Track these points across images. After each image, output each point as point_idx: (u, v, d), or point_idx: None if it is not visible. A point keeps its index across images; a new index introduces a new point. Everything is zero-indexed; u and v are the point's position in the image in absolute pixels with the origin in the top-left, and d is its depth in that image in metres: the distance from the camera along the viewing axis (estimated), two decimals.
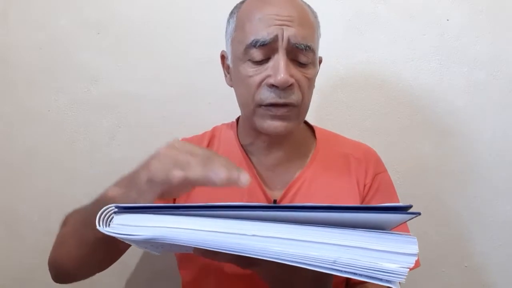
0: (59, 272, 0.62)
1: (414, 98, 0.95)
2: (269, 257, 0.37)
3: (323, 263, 0.36)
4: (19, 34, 0.94)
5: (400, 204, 0.36)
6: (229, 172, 0.44)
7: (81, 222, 0.55)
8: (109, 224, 0.42)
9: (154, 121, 0.95)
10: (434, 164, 0.95)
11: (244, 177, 0.44)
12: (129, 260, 0.95)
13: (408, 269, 0.34)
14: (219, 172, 0.44)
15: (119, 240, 0.44)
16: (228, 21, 0.69)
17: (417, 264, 0.70)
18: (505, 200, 0.95)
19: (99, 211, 0.47)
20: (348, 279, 0.68)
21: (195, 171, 0.44)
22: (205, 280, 0.67)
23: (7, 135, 0.95)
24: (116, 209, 0.43)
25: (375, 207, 0.37)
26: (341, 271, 0.36)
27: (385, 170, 0.75)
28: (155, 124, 0.95)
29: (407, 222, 0.66)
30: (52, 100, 0.94)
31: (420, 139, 0.95)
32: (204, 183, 0.45)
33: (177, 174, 0.45)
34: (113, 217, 0.43)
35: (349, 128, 0.95)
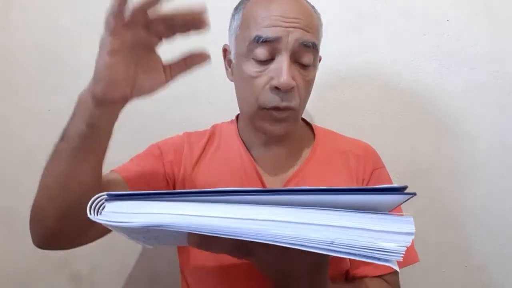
0: (40, 225, 0.57)
1: (414, 98, 0.95)
2: (266, 240, 0.36)
3: (320, 244, 0.35)
4: (19, 34, 0.94)
5: (396, 185, 0.36)
6: None
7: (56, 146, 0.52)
8: (100, 212, 0.41)
9: (154, 121, 0.95)
10: (434, 164, 0.95)
11: None
12: (129, 260, 0.95)
13: (405, 248, 0.34)
14: None
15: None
16: (233, 16, 0.69)
17: (415, 259, 0.71)
18: (505, 200, 0.94)
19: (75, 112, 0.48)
20: (347, 273, 0.69)
21: None
22: (207, 277, 0.67)
23: (7, 135, 0.95)
24: (107, 197, 0.41)
25: (371, 189, 0.36)
26: (338, 251, 0.35)
27: (383, 166, 0.76)
28: (155, 124, 0.95)
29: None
30: (52, 100, 0.94)
31: (420, 139, 0.95)
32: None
33: None
34: (104, 205, 0.41)
35: (349, 128, 0.95)
